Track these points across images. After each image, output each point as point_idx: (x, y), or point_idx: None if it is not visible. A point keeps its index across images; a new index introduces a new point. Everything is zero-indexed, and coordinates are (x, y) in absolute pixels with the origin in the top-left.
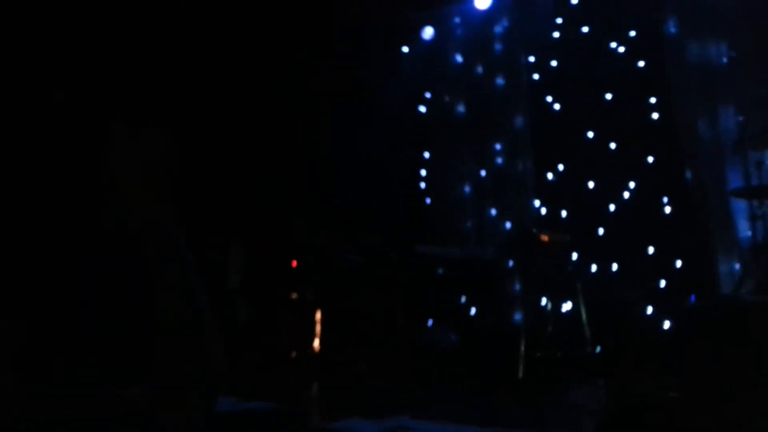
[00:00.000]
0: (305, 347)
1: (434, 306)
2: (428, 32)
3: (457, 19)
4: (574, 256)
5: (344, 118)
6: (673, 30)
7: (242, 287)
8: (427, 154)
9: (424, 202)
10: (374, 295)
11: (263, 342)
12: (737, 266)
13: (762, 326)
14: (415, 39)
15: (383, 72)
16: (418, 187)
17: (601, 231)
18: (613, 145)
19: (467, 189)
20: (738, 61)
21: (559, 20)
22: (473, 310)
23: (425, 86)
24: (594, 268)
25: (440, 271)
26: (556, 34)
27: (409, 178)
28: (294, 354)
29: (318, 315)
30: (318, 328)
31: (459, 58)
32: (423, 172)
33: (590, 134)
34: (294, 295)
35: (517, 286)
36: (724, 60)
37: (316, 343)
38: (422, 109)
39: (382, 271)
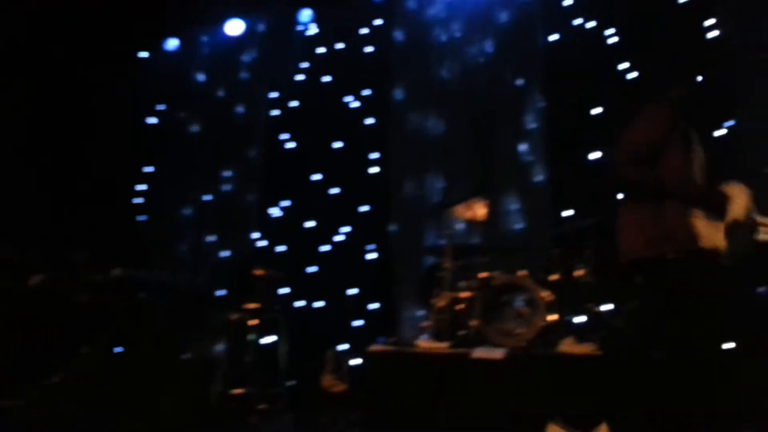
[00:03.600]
0: None
1: (125, 333)
2: (172, 43)
3: (205, 38)
4: (285, 290)
5: (62, 117)
6: (400, 97)
7: None
8: (150, 168)
9: (138, 219)
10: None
11: None
12: (421, 314)
13: (424, 370)
14: (156, 47)
15: (113, 73)
16: (132, 202)
17: (312, 269)
18: (335, 190)
19: (189, 211)
20: (451, 135)
21: (306, 64)
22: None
23: (160, 98)
24: (301, 303)
25: (142, 296)
26: (301, 77)
27: (125, 191)
28: None
29: None
30: None
31: (201, 77)
32: (142, 187)
33: (317, 176)
34: None
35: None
36: (440, 131)
37: None
38: (152, 120)
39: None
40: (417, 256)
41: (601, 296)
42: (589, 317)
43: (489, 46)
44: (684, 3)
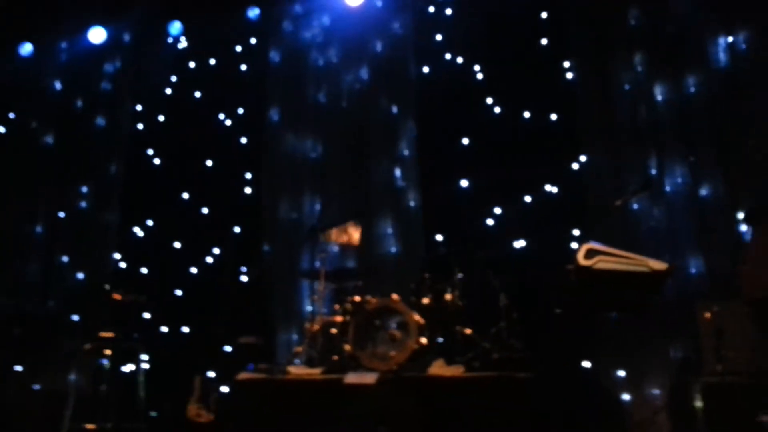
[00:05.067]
0: None
1: None
2: (26, 48)
3: (64, 44)
4: (147, 316)
5: None
6: (275, 118)
7: None
8: None
9: None
10: None
11: None
12: (295, 338)
13: (296, 397)
14: (8, 50)
15: None
16: None
17: (179, 293)
18: (205, 210)
19: (39, 229)
20: (327, 158)
21: (174, 78)
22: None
23: (9, 105)
24: (165, 329)
25: None
26: (169, 91)
27: None
28: None
29: None
30: None
31: (58, 85)
32: None
33: (185, 195)
34: None
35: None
36: (315, 154)
37: None
38: None
39: None
40: (291, 279)
41: (470, 318)
42: (457, 340)
43: (365, 73)
44: (544, 46)
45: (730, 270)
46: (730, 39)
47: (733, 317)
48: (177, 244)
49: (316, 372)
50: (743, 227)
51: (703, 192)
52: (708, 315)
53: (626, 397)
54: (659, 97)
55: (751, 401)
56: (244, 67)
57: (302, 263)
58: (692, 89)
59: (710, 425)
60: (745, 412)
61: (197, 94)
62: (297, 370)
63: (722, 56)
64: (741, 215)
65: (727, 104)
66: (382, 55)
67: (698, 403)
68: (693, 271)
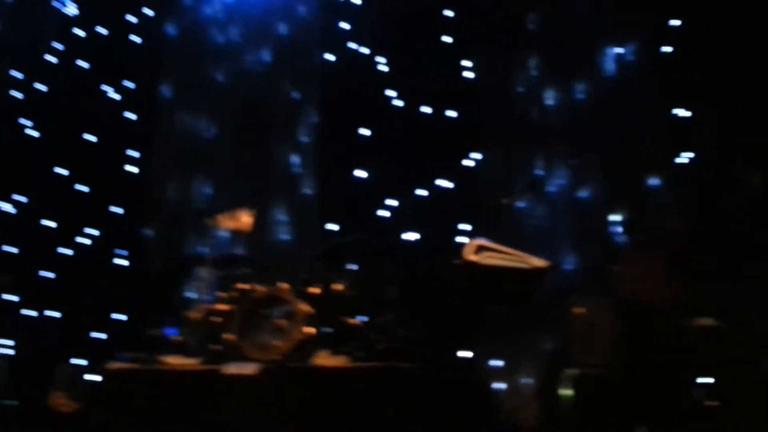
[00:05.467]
0: None
1: None
2: None
3: None
4: (13, 297)
5: None
6: (168, 95)
7: None
8: None
9: None
10: None
11: None
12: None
13: (171, 389)
14: None
15: None
16: None
17: (49, 274)
18: (84, 188)
19: None
20: (221, 140)
21: (59, 45)
22: None
23: None
24: (32, 313)
25: None
26: (52, 59)
27: None
28: None
29: None
30: None
31: None
32: None
33: (62, 171)
34: None
35: None
36: (209, 135)
37: None
38: None
39: None
40: (174, 264)
41: (358, 309)
42: (345, 330)
43: (266, 55)
44: (448, 44)
45: (601, 268)
46: (620, 50)
47: (603, 313)
48: (50, 223)
49: (194, 362)
50: (617, 229)
51: (582, 194)
52: (579, 310)
53: (501, 385)
54: (550, 101)
55: (615, 392)
56: (137, 40)
57: (188, 248)
58: (580, 95)
59: (576, 413)
60: (609, 403)
61: (84, 65)
62: (173, 360)
63: (611, 66)
64: (615, 218)
65: (612, 113)
66: (286, 38)
67: (566, 392)
68: (568, 267)
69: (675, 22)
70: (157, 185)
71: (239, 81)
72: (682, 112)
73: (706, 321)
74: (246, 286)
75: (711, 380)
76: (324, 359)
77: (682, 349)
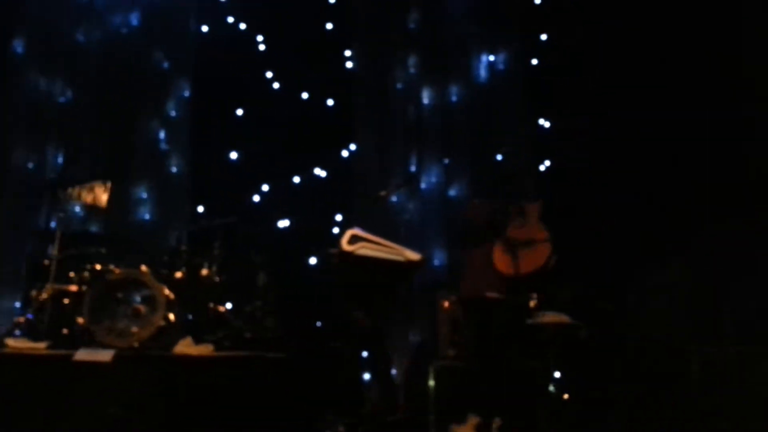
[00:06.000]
0: None
1: None
2: None
3: None
4: None
5: None
6: (19, 50)
7: None
8: None
9: None
10: None
11: None
12: (17, 306)
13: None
14: None
15: None
16: None
17: None
18: None
19: None
20: (79, 106)
21: None
22: None
23: None
24: None
25: None
26: None
27: None
28: None
29: None
30: None
31: None
32: None
33: None
34: None
35: None
36: (63, 100)
37: None
38: None
39: None
40: (20, 238)
41: (225, 296)
42: (210, 317)
43: (135, 18)
44: (329, 30)
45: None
46: (492, 58)
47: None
48: None
49: (40, 346)
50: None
51: (452, 192)
52: (446, 304)
53: (368, 376)
54: (426, 101)
55: (475, 382)
56: None
57: (35, 222)
58: (454, 98)
59: (439, 403)
60: (470, 392)
61: None
62: (17, 343)
63: (483, 72)
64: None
65: (483, 117)
66: (158, 3)
67: (431, 383)
68: (437, 263)
69: (543, 37)
70: (3, 150)
71: (103, 43)
72: (544, 122)
73: (557, 317)
74: (100, 267)
75: (558, 374)
76: (186, 347)
77: (526, 343)
